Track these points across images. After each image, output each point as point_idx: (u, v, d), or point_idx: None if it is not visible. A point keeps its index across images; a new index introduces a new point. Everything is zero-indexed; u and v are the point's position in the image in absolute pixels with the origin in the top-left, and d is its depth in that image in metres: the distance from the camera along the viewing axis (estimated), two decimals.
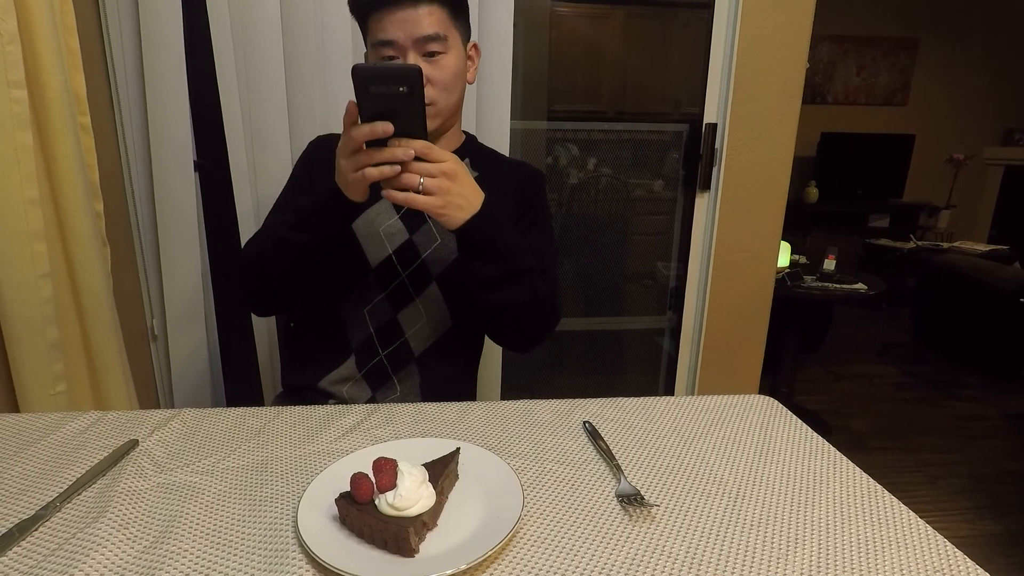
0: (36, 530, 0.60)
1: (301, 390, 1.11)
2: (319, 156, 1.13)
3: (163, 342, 1.69)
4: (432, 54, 0.98)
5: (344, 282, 1.07)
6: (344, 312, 1.09)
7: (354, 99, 0.79)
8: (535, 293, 0.99)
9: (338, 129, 1.16)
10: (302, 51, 1.50)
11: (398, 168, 0.81)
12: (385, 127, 0.78)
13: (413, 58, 0.97)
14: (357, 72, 0.76)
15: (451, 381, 1.13)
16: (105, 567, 0.55)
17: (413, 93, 0.77)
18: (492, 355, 1.80)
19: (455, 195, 0.86)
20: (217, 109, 1.49)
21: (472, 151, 1.16)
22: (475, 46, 1.10)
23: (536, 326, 1.04)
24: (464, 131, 1.19)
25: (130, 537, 0.59)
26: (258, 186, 1.57)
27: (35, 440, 0.78)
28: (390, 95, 0.77)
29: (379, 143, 0.80)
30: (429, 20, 0.97)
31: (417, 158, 0.81)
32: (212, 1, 1.43)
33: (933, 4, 5.06)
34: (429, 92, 0.98)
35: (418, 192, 0.82)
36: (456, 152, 1.09)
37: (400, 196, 0.82)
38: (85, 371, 1.30)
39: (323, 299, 1.09)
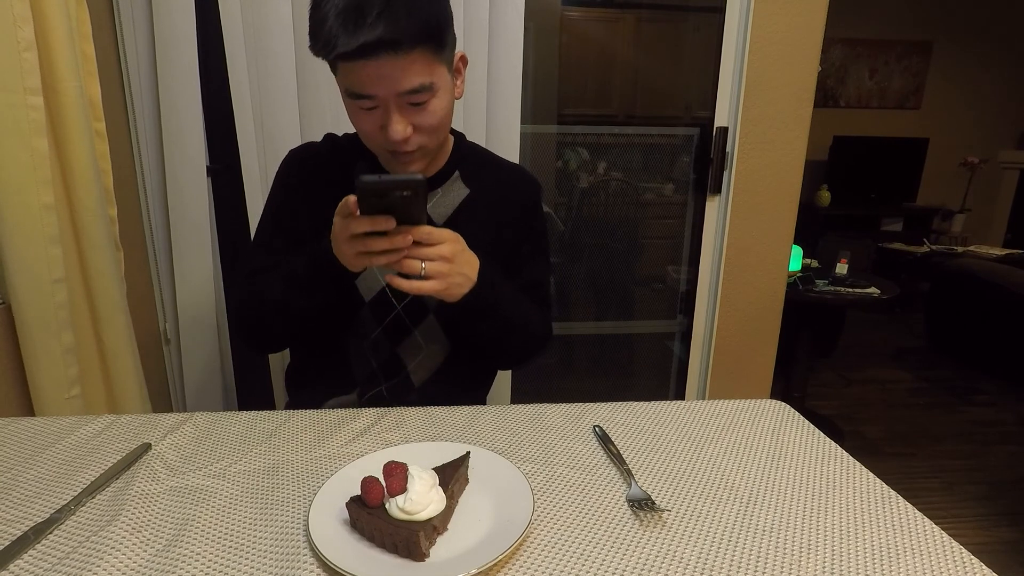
0: (51, 533, 0.61)
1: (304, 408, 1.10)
2: (294, 172, 1.07)
3: (176, 346, 1.70)
4: (417, 103, 0.88)
5: (339, 318, 1.04)
6: (344, 347, 1.06)
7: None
8: (531, 334, 1.05)
9: (347, 130, 1.15)
10: (314, 56, 1.50)
11: (403, 254, 0.81)
12: (387, 222, 0.78)
13: (396, 113, 0.88)
14: (361, 186, 0.74)
15: (449, 401, 1.10)
16: (118, 570, 0.56)
17: (417, 195, 0.76)
18: None
19: (455, 275, 0.86)
20: (230, 114, 1.51)
21: (462, 161, 1.08)
22: (462, 58, 0.97)
23: (530, 356, 1.10)
24: (452, 130, 1.07)
25: (143, 540, 0.60)
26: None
27: (49, 444, 0.79)
28: (393, 197, 0.76)
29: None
30: (412, 72, 0.84)
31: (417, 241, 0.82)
32: (225, 7, 1.44)
33: (947, 7, 5.03)
34: (417, 139, 0.91)
35: (420, 277, 0.83)
36: (444, 166, 1.06)
37: (405, 284, 0.83)
38: (99, 375, 1.31)
39: (321, 335, 1.06)
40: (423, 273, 0.82)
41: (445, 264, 0.84)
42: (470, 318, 0.95)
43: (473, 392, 1.17)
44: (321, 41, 0.83)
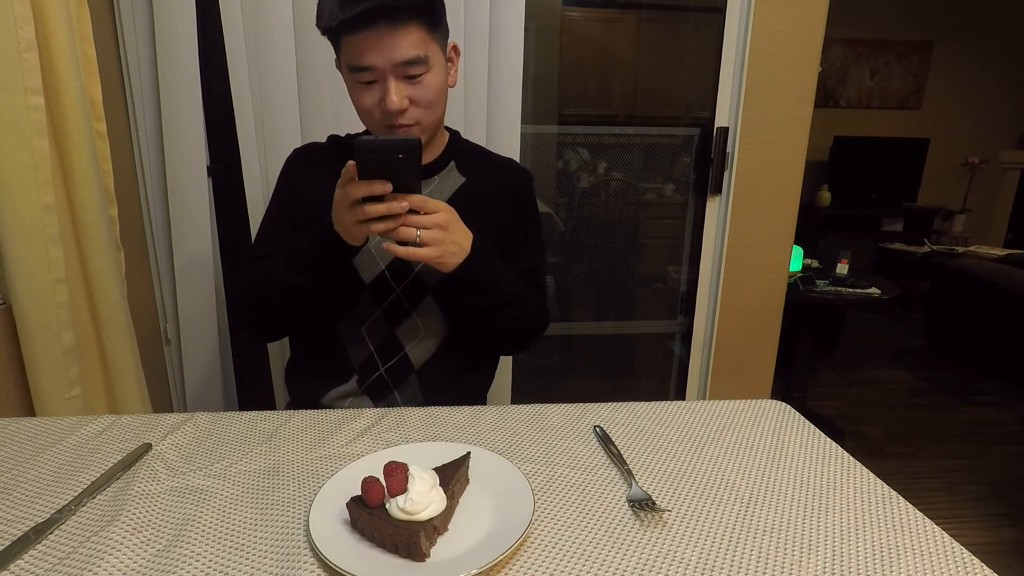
0: (51, 533, 0.61)
1: (305, 404, 1.10)
2: (298, 168, 1.13)
3: (176, 346, 1.70)
4: (413, 76, 0.95)
5: (340, 302, 1.07)
6: (342, 332, 1.08)
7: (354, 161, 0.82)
8: (525, 312, 1.06)
9: (348, 130, 1.17)
10: (314, 56, 1.51)
11: (400, 221, 0.85)
12: (384, 186, 0.82)
13: (393, 83, 0.94)
14: (359, 145, 0.79)
15: (451, 386, 1.12)
16: (119, 570, 0.56)
17: (410, 158, 0.81)
18: (503, 360, 1.80)
19: (449, 243, 0.90)
20: (230, 114, 1.50)
21: (457, 153, 1.14)
22: (455, 47, 1.05)
23: (526, 338, 1.12)
24: (446, 127, 1.16)
25: (144, 540, 0.60)
26: (271, 191, 1.58)
27: (50, 444, 0.79)
28: (389, 160, 0.80)
29: (376, 197, 0.84)
30: (408, 43, 0.92)
31: (412, 210, 0.85)
32: (226, 7, 1.44)
33: (947, 7, 5.02)
34: (413, 113, 0.97)
35: (415, 244, 0.87)
36: (440, 155, 1.12)
37: (401, 251, 0.87)
38: (99, 375, 1.31)
39: (320, 320, 1.09)
40: (418, 240, 0.86)
41: (440, 232, 0.88)
42: (466, 291, 0.98)
43: (473, 374, 1.18)
44: (327, 13, 0.93)
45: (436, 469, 0.64)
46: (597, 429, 0.84)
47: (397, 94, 0.94)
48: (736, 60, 1.79)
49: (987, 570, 0.57)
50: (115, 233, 1.36)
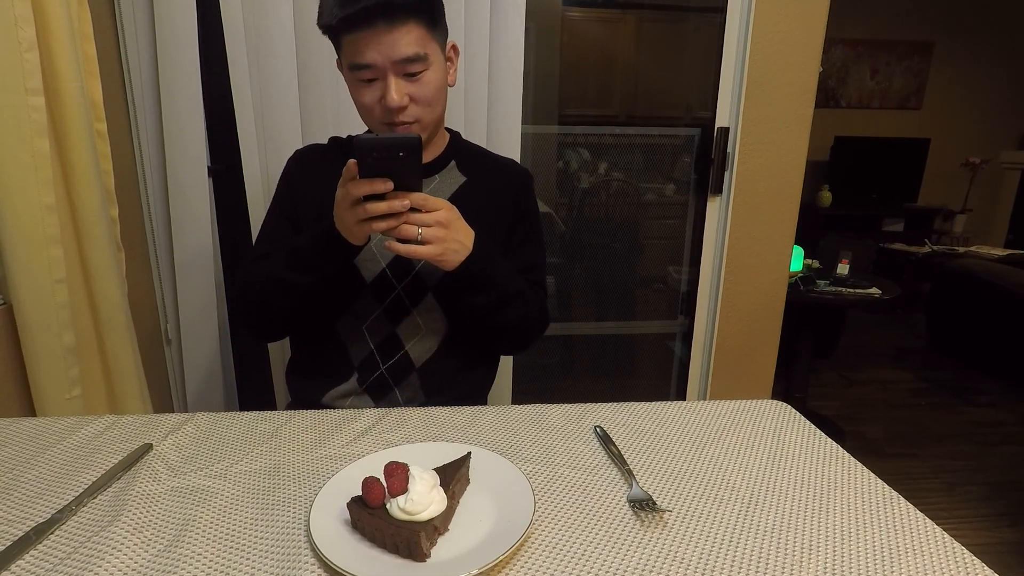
0: (52, 533, 0.61)
1: (306, 404, 1.11)
2: (299, 169, 1.14)
3: (177, 346, 1.70)
4: (413, 73, 0.96)
5: (340, 301, 1.07)
6: (342, 330, 1.09)
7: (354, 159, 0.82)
8: (526, 310, 1.06)
9: (348, 130, 1.17)
10: (315, 56, 1.51)
11: (401, 219, 0.86)
12: (385, 184, 0.82)
13: (393, 80, 0.95)
14: (359, 143, 0.80)
15: (452, 385, 1.12)
16: (120, 570, 0.56)
17: (411, 156, 0.81)
18: (503, 360, 1.80)
19: (451, 241, 0.90)
20: (231, 114, 1.50)
21: (458, 153, 1.15)
22: (454, 47, 1.07)
23: (527, 336, 1.12)
24: (447, 128, 1.16)
25: (144, 540, 0.60)
26: (271, 191, 1.58)
27: (51, 444, 0.79)
28: (389, 158, 0.81)
29: (377, 196, 0.84)
30: (407, 40, 0.93)
31: (413, 208, 0.86)
32: (226, 8, 1.44)
33: (948, 7, 5.02)
34: (413, 110, 0.98)
35: (417, 242, 0.87)
36: (441, 155, 1.13)
37: (402, 248, 0.88)
38: (100, 375, 1.31)
39: (321, 319, 1.09)
40: (419, 237, 0.87)
41: (441, 229, 0.88)
42: (467, 289, 0.98)
43: (474, 373, 1.17)
44: (327, 12, 0.95)
45: (437, 469, 0.64)
46: (597, 429, 0.84)
47: (397, 91, 0.95)
48: (737, 60, 1.79)
49: (987, 570, 0.57)
50: (115, 233, 1.36)
